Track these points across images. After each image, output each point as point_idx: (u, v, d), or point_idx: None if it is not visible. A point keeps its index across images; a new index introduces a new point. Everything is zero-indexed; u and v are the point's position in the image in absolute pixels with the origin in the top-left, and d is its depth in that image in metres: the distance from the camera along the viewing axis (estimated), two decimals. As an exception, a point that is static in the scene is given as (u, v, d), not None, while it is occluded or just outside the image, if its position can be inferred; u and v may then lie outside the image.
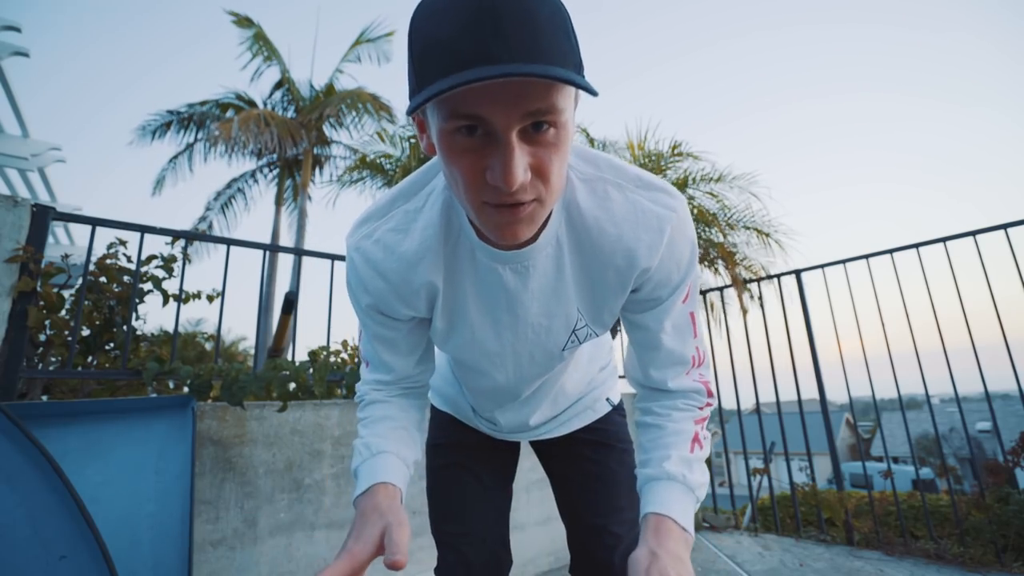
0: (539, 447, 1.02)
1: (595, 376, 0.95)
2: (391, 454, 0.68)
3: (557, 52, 0.43)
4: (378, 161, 4.97)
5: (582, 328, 0.71)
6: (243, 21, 10.46)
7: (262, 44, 10.62)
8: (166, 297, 2.05)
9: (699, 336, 0.72)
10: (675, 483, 0.64)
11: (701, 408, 0.71)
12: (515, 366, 0.76)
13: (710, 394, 0.72)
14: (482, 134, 0.46)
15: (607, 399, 0.97)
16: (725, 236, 4.20)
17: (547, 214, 0.53)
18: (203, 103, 10.97)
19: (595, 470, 0.93)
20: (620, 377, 1.04)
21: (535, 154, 0.47)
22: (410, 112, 0.45)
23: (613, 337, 3.69)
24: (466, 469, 0.94)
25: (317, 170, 11.71)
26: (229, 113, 10.87)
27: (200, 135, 10.79)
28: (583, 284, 0.66)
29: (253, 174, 11.68)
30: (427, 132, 0.53)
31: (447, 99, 0.44)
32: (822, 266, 3.03)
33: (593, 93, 0.43)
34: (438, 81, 0.42)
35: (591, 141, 4.73)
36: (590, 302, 0.68)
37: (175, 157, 10.86)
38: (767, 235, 4.23)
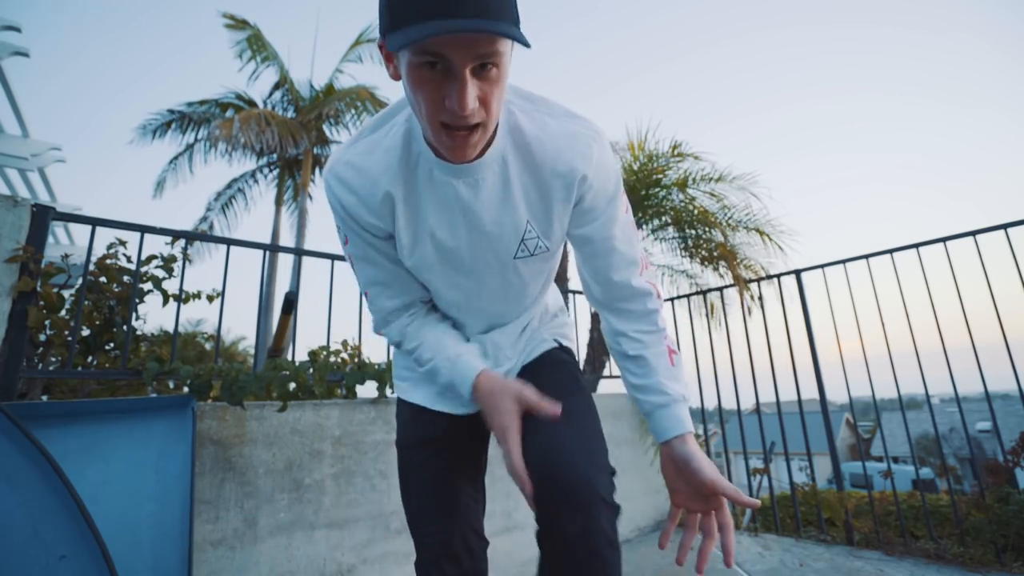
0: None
1: (553, 322, 1.05)
2: (466, 354, 0.85)
3: (503, 9, 0.57)
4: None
5: (532, 239, 0.82)
6: (239, 24, 10.44)
7: (259, 46, 10.60)
8: (166, 297, 2.05)
9: (639, 241, 0.88)
10: (678, 404, 0.83)
11: (658, 316, 0.88)
12: (474, 274, 0.85)
13: (658, 296, 0.89)
14: (442, 69, 0.59)
15: (558, 341, 1.02)
16: (726, 236, 4.20)
17: (488, 137, 0.69)
18: (203, 103, 10.96)
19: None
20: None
21: (481, 88, 0.61)
22: (392, 49, 0.58)
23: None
24: (431, 469, 0.95)
25: (317, 170, 11.70)
26: (229, 113, 10.85)
27: (200, 135, 10.79)
28: (532, 198, 0.79)
29: (253, 174, 11.68)
30: (394, 62, 0.66)
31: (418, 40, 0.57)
32: (822, 266, 3.02)
33: (526, 45, 0.58)
34: (412, 26, 0.56)
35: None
36: (540, 213, 0.80)
37: (175, 158, 10.85)
38: (767, 235, 4.23)
